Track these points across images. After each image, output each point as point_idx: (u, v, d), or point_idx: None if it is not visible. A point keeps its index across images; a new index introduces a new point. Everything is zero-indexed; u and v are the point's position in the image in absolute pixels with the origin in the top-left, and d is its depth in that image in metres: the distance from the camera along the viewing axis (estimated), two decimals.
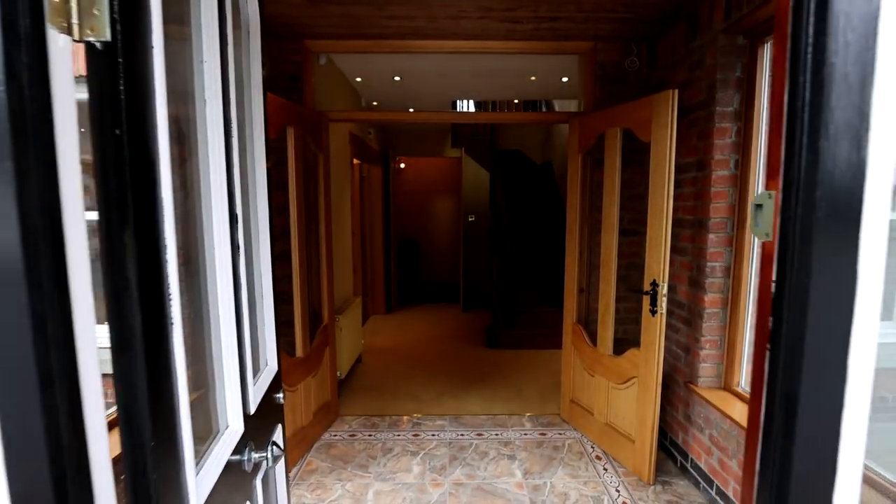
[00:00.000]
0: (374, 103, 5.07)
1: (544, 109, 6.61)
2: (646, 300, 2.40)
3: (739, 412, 2.12)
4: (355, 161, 5.77)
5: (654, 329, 2.37)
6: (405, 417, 3.27)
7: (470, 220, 6.85)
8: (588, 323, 3.16)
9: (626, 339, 2.95)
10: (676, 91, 2.21)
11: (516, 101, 5.52)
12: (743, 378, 2.35)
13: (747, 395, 2.11)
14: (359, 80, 4.02)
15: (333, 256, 3.42)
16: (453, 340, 5.12)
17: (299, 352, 2.69)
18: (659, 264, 2.33)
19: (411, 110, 4.90)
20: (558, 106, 6.04)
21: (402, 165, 7.69)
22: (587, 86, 3.00)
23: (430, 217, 7.86)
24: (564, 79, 4.05)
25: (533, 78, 3.94)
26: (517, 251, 5.19)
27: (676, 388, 2.63)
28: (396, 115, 2.75)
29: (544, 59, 3.43)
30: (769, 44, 2.12)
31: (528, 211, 6.27)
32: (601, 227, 2.84)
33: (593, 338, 2.97)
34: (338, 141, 3.84)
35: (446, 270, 7.93)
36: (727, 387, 2.38)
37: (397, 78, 4.05)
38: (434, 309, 6.69)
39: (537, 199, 6.46)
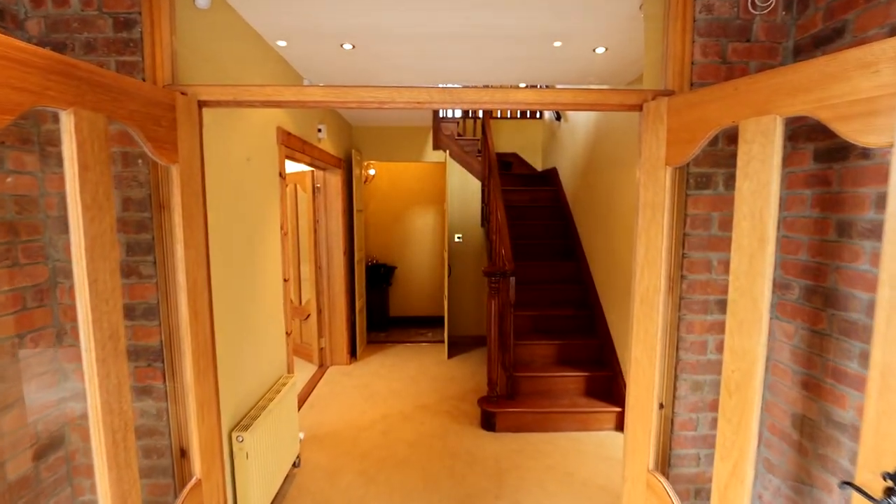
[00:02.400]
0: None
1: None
2: None
3: None
4: (309, 168, 4.36)
5: None
6: None
7: (457, 239, 5.49)
8: (672, 461, 1.82)
9: None
10: None
11: (522, 84, 4.17)
12: None
13: None
14: (283, 44, 2.62)
15: (245, 323, 2.04)
16: (435, 414, 3.75)
17: None
18: None
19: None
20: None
21: (372, 172, 6.29)
22: (673, 46, 1.67)
23: (407, 236, 6.47)
24: (599, 49, 2.72)
25: (558, 44, 2.59)
26: (520, 286, 3.86)
27: None
28: (336, 94, 1.48)
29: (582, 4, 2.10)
30: None
31: (533, 233, 4.94)
32: (693, 297, 1.50)
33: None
34: (253, 140, 2.44)
35: (426, 300, 6.55)
36: None
37: (347, 46, 2.67)
38: (411, 353, 5.30)
39: (543, 216, 5.13)
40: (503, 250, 3.67)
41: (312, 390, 4.22)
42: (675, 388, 1.77)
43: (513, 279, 3.39)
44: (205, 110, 1.66)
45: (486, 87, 2.95)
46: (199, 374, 1.62)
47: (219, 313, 2.01)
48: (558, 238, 4.92)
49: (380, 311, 6.12)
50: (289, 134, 2.96)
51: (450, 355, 5.19)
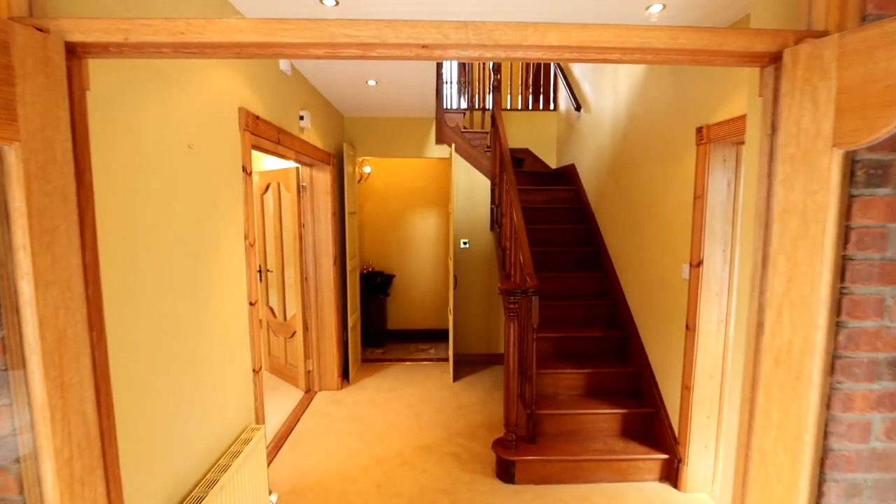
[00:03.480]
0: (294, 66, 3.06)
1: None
2: None
3: None
4: (294, 164, 3.75)
5: None
6: None
7: (462, 245, 4.87)
8: None
9: None
10: None
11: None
12: None
13: None
14: None
15: (186, 369, 1.43)
16: (440, 458, 3.13)
17: None
18: None
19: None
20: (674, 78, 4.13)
21: (368, 170, 5.66)
22: None
23: (407, 241, 5.85)
24: (654, 6, 2.10)
25: None
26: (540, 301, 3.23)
27: None
28: (292, 31, 0.69)
29: None
30: None
31: (550, 239, 4.32)
32: None
33: None
34: (201, 120, 1.82)
35: (428, 312, 5.93)
36: None
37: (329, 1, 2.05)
38: (411, 374, 4.68)
39: (562, 219, 4.51)
40: (522, 260, 3.05)
41: (296, 424, 3.60)
42: (819, 494, 1.15)
43: (536, 299, 2.77)
44: (112, 69, 1.05)
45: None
46: (74, 485, 1.00)
47: (139, 365, 1.39)
48: (580, 245, 4.30)
49: (376, 324, 5.50)
50: (257, 118, 2.34)
51: (455, 377, 4.57)
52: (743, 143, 2.47)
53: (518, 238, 3.18)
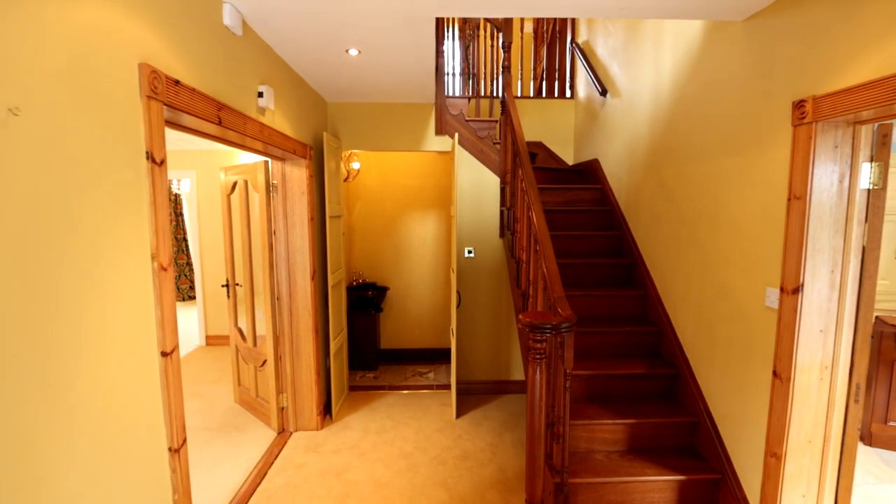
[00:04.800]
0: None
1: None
2: None
3: None
4: (262, 158, 3.01)
5: None
6: None
7: (467, 254, 4.16)
8: None
9: None
10: None
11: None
12: None
13: None
14: None
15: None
16: None
17: None
18: None
19: None
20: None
21: (357, 166, 4.94)
22: None
23: (403, 248, 5.13)
24: None
25: None
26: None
27: None
28: None
29: None
30: None
31: (572, 248, 3.60)
32: None
33: None
34: (46, 68, 1.11)
35: (427, 329, 5.20)
36: None
37: None
38: (407, 407, 3.95)
39: (585, 224, 3.79)
40: (546, 278, 2.34)
41: (260, 482, 2.87)
42: None
43: (571, 336, 2.05)
44: None
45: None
46: None
47: None
48: (610, 255, 3.58)
49: (368, 344, 4.77)
50: (178, 84, 1.62)
51: (459, 411, 3.84)
52: (871, 121, 1.75)
53: (542, 249, 2.46)
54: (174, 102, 1.59)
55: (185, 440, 1.67)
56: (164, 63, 1.57)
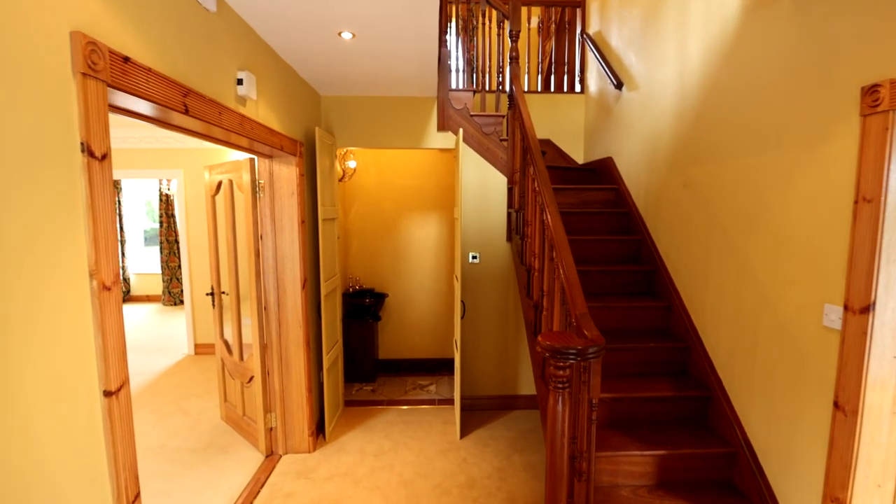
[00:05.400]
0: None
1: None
2: None
3: None
4: (248, 156, 2.73)
5: None
6: None
7: (472, 259, 3.86)
8: None
9: None
10: None
11: None
12: None
13: None
14: None
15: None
16: None
17: None
18: None
19: None
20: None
21: (353, 165, 4.64)
22: None
23: (403, 252, 4.83)
24: None
25: None
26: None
27: None
28: None
29: None
30: None
31: (586, 254, 3.31)
32: None
33: None
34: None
35: (428, 338, 4.91)
36: None
37: None
38: (406, 425, 3.66)
39: (600, 228, 3.50)
40: (566, 292, 2.05)
41: None
42: None
43: (599, 362, 1.76)
44: None
45: None
46: None
47: None
48: (628, 262, 3.29)
49: (365, 354, 4.48)
50: (127, 61, 1.32)
51: (463, 430, 3.55)
52: None
53: (559, 257, 2.17)
54: (122, 83, 1.30)
55: (138, 494, 1.38)
56: (109, 34, 1.28)
